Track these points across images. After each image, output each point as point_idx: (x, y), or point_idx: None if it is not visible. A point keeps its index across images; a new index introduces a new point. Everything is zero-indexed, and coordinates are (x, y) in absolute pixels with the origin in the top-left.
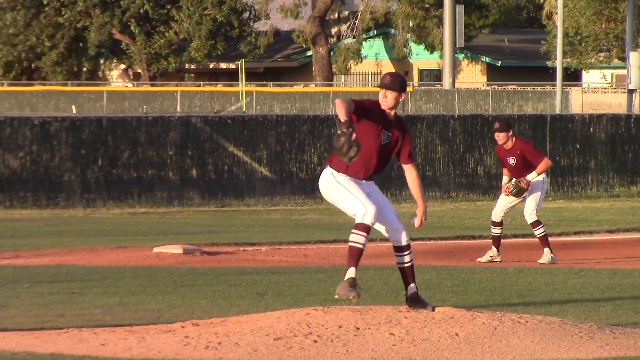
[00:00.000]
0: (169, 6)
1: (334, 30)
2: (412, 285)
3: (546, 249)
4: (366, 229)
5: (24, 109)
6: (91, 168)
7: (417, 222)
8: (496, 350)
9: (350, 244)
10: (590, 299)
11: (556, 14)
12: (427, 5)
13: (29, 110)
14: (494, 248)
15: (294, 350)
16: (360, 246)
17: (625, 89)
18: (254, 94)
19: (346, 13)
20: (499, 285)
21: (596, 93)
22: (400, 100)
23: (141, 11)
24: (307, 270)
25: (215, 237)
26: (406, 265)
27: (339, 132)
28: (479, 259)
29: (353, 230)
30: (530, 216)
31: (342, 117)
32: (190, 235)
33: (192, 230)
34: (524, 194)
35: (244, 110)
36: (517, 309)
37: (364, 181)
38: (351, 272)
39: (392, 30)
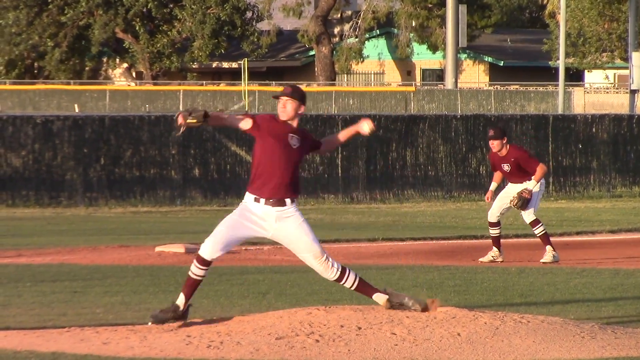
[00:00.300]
0: (171, 5)
1: (336, 30)
2: (376, 294)
3: (548, 247)
4: (201, 261)
5: (26, 108)
6: (93, 167)
7: (367, 128)
8: (498, 350)
9: (188, 273)
10: (592, 299)
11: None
12: (429, 5)
13: (32, 109)
14: (494, 248)
15: (296, 349)
16: (195, 277)
17: (627, 89)
18: (257, 94)
19: (349, 13)
20: (501, 285)
21: (598, 93)
22: (300, 112)
23: (144, 10)
24: (309, 270)
25: None
26: (353, 289)
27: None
28: (480, 259)
29: (194, 261)
30: (528, 216)
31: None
32: (193, 235)
33: (195, 230)
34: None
35: (246, 109)
36: (519, 309)
37: (270, 209)
38: (180, 300)
39: (395, 30)
